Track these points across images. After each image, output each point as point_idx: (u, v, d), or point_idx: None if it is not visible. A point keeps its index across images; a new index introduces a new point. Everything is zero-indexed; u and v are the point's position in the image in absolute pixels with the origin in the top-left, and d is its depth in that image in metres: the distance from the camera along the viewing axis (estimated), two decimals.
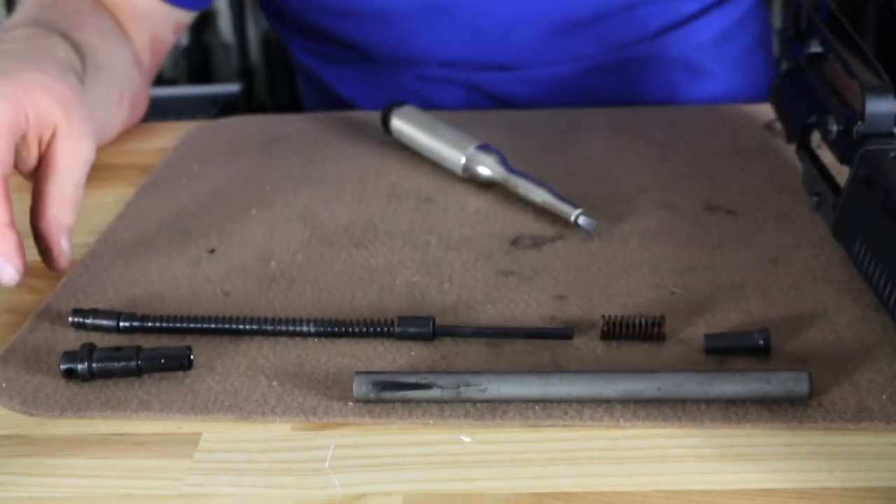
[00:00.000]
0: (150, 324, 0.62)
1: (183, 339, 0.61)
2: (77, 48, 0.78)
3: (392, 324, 0.60)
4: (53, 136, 0.66)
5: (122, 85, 0.88)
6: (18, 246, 0.61)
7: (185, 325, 0.61)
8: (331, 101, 1.10)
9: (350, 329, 0.60)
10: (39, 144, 0.66)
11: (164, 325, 0.62)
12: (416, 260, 0.69)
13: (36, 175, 0.66)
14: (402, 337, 0.60)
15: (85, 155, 0.67)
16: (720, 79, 1.06)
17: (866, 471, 0.50)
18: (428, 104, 0.94)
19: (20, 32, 0.75)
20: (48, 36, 0.75)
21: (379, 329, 0.60)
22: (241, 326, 0.61)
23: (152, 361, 0.57)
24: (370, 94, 1.06)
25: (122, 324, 0.62)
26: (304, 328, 0.61)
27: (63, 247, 0.64)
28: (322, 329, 0.61)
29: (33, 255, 0.71)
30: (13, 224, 0.61)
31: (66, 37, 0.78)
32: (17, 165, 0.65)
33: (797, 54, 0.77)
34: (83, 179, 0.66)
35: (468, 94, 1.04)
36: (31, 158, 0.65)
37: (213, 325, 0.61)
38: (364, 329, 0.60)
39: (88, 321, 0.62)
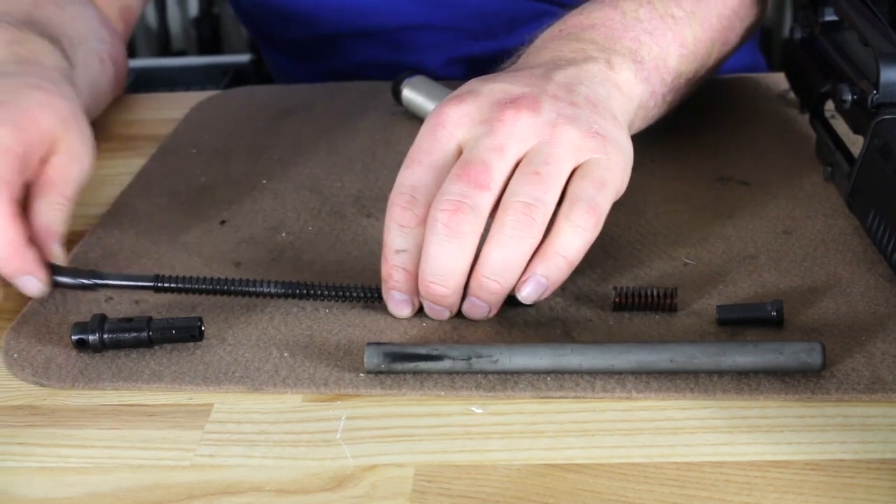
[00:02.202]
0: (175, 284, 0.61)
1: (194, 311, 0.61)
2: (53, 40, 0.76)
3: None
4: (51, 150, 0.66)
5: (98, 48, 0.87)
6: (38, 260, 0.61)
7: (210, 286, 0.61)
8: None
9: (365, 294, 0.60)
10: (39, 159, 0.65)
11: (193, 286, 0.61)
12: None
13: (30, 187, 0.65)
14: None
15: (78, 170, 0.67)
16: None
17: (879, 442, 0.49)
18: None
19: None
20: (28, 40, 0.74)
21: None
22: (255, 289, 0.61)
23: (163, 332, 0.57)
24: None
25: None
26: (319, 292, 0.61)
27: (55, 251, 0.63)
28: (336, 293, 0.61)
29: None
30: (29, 242, 0.61)
31: (31, 25, 0.76)
32: None
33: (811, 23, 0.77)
34: (75, 194, 0.66)
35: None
36: (31, 175, 0.65)
37: (230, 287, 0.61)
38: (378, 294, 0.60)
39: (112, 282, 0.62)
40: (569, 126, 0.58)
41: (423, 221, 0.57)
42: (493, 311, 0.59)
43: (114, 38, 0.92)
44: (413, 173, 0.59)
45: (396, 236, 0.58)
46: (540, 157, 0.57)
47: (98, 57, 0.86)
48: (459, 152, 0.59)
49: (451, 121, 0.59)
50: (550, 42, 0.68)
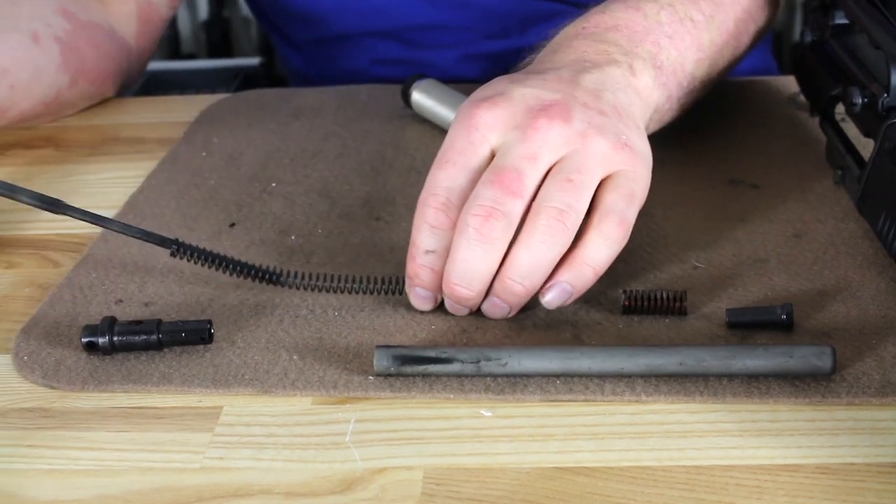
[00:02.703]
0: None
1: (203, 313, 0.61)
2: None
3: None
4: None
5: (35, 27, 0.87)
6: None
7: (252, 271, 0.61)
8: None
9: (384, 287, 0.61)
10: None
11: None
12: None
13: None
14: None
15: None
16: None
17: (890, 446, 0.49)
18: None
19: None
20: None
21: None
22: (286, 278, 0.61)
23: (173, 335, 0.57)
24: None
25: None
26: (340, 285, 0.61)
27: None
28: (355, 286, 0.61)
29: (54, 228, 0.71)
30: None
31: None
32: None
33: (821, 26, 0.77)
34: None
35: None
36: None
37: (266, 275, 0.61)
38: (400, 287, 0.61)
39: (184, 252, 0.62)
40: (599, 136, 0.58)
41: (455, 224, 0.58)
42: (513, 312, 0.59)
43: (79, 28, 0.91)
44: (447, 174, 0.59)
45: (427, 237, 0.58)
46: (572, 166, 0.58)
47: (30, 33, 0.86)
48: (491, 155, 0.59)
49: (485, 123, 0.59)
50: (574, 40, 0.68)
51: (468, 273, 0.57)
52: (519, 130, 0.58)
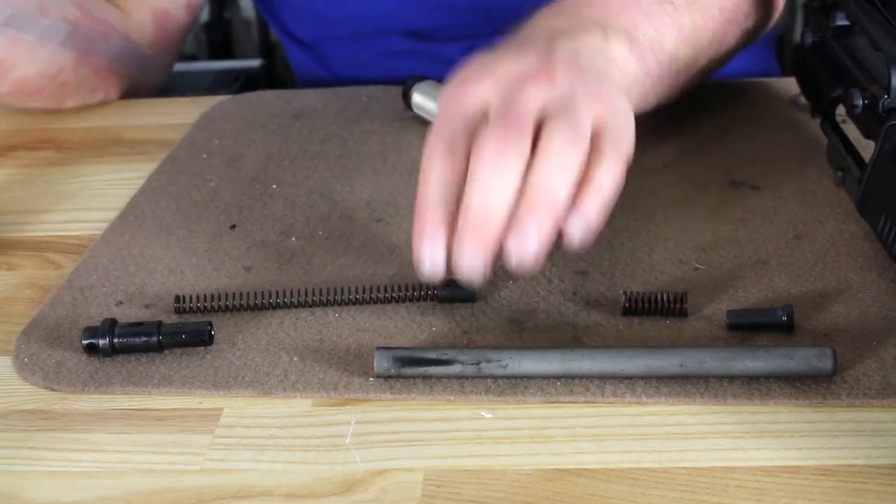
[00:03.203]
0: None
1: (203, 315, 0.61)
2: None
3: (433, 288, 0.61)
4: None
5: (44, 3, 0.89)
6: None
7: (268, 301, 0.61)
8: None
9: (395, 294, 0.61)
10: None
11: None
12: None
13: None
14: (445, 300, 0.61)
15: None
16: None
17: (891, 448, 0.49)
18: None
19: None
20: None
21: (422, 293, 0.61)
22: (289, 300, 0.61)
23: (173, 337, 0.57)
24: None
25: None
26: (351, 296, 0.61)
27: None
28: (369, 296, 0.61)
29: (55, 230, 0.71)
30: None
31: None
32: None
33: (822, 27, 0.77)
34: None
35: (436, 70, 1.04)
36: None
37: (264, 301, 0.61)
38: (408, 293, 0.61)
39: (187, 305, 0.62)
40: (584, 96, 0.58)
41: (460, 173, 0.55)
42: (541, 255, 0.54)
43: (91, 20, 0.93)
44: (446, 128, 0.57)
45: (436, 186, 0.55)
46: (569, 104, 0.57)
47: (37, 5, 0.89)
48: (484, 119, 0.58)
49: (472, 94, 0.58)
50: (548, 18, 0.68)
51: (490, 192, 0.54)
52: (507, 98, 0.57)
